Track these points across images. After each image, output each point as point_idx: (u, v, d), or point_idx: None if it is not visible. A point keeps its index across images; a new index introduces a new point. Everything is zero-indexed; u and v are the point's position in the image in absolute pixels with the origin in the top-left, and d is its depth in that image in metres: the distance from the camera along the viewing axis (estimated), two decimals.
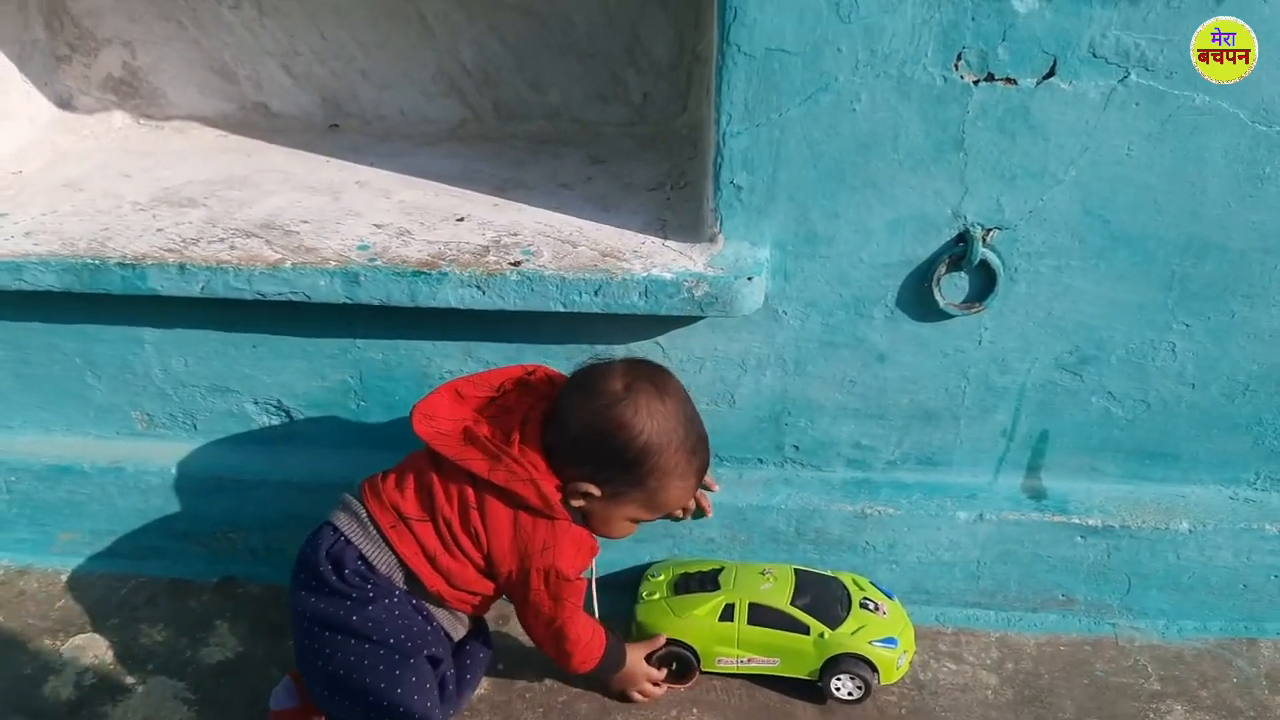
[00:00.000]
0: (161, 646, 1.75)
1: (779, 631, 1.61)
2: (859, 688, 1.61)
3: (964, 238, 1.52)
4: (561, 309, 1.55)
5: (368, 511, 1.43)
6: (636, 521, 1.48)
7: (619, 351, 1.66)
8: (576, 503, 1.42)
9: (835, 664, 1.60)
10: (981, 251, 1.51)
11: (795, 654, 1.62)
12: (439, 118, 2.05)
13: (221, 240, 1.63)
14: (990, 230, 1.52)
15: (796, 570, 1.69)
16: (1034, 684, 1.68)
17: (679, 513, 1.67)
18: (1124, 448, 1.72)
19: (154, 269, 1.58)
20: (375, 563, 1.42)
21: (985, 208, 1.50)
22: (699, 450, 1.44)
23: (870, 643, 1.59)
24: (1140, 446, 1.71)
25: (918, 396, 1.68)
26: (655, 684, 1.64)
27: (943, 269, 1.54)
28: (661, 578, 1.73)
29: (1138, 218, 1.49)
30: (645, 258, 1.57)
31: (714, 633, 1.63)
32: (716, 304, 1.52)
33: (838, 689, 1.62)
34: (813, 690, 1.64)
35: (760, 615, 1.62)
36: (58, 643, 1.76)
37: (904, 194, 1.50)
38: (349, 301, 1.57)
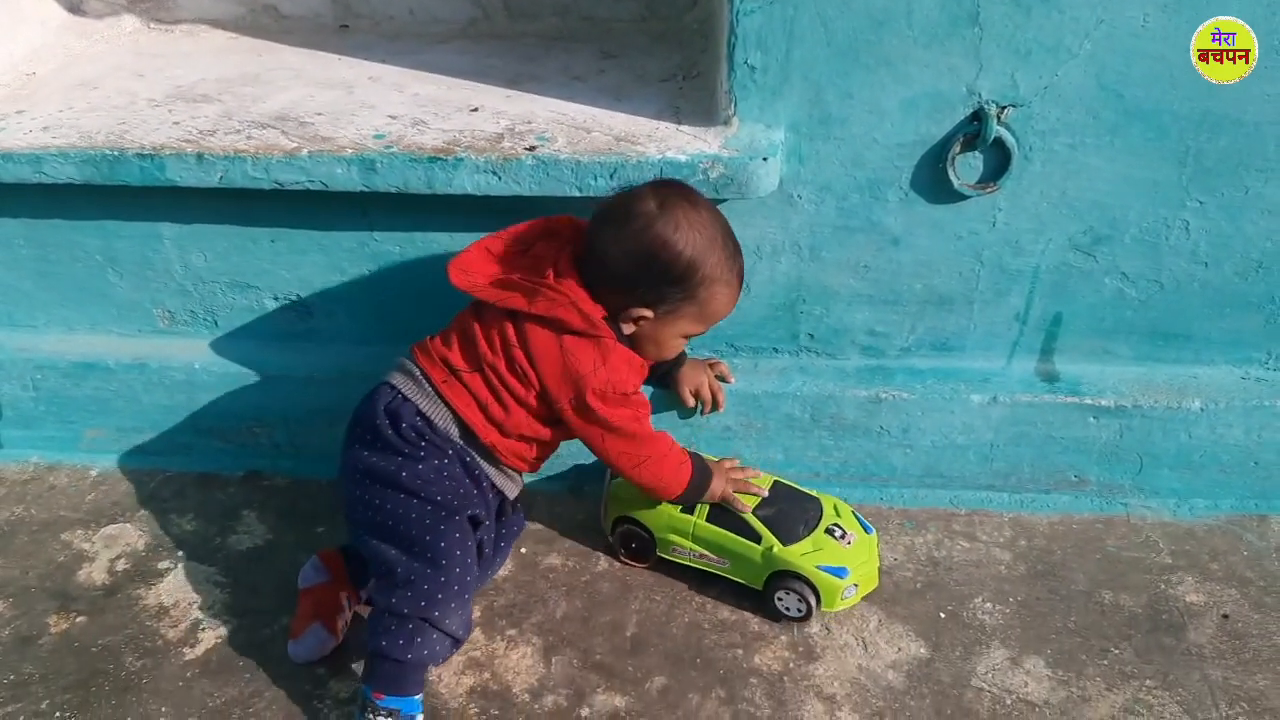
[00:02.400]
0: (191, 535, 1.79)
1: (732, 535, 1.61)
2: (800, 608, 1.60)
3: (978, 115, 1.51)
4: (577, 193, 1.55)
5: (421, 369, 1.47)
6: (687, 337, 1.52)
7: None
8: (628, 329, 1.46)
9: (779, 579, 1.59)
10: (996, 129, 1.51)
11: (744, 560, 1.61)
12: (449, 17, 2.04)
13: (238, 131, 1.64)
14: (1005, 108, 1.51)
15: (776, 481, 1.68)
16: (1046, 559, 1.71)
17: (693, 402, 1.70)
18: (1137, 329, 1.72)
19: (172, 159, 1.59)
20: (432, 417, 1.46)
21: (1000, 84, 1.49)
22: (737, 254, 1.47)
23: (817, 566, 1.57)
24: (1153, 327, 1.72)
25: (931, 281, 1.69)
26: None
27: (957, 148, 1.54)
28: None
29: (1152, 92, 1.48)
30: (660, 141, 1.57)
31: (671, 521, 1.65)
32: (732, 185, 1.52)
33: (780, 602, 1.61)
34: None
35: (718, 515, 1.63)
36: (89, 532, 1.80)
37: (918, 72, 1.49)
38: (366, 189, 1.58)
